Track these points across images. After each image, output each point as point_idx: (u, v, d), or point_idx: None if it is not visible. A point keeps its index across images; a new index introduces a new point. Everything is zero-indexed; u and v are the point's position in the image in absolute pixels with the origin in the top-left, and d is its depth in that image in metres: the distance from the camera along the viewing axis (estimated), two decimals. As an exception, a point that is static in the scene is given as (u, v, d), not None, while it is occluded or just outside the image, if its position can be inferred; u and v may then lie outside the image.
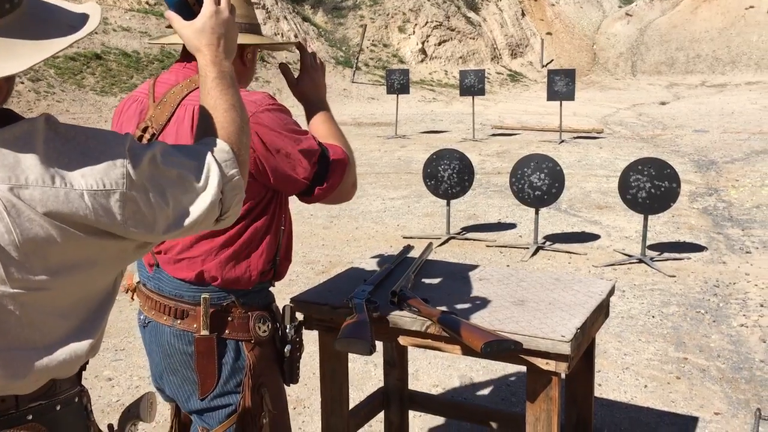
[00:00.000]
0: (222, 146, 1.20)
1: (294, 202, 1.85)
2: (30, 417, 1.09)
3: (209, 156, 1.17)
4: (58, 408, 1.14)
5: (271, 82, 17.41)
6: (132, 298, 1.87)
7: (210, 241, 1.68)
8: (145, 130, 1.67)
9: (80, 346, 1.11)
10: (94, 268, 1.07)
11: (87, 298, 1.10)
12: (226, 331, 1.70)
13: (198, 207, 1.13)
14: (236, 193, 1.20)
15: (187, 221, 1.13)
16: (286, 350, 1.80)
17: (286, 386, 1.87)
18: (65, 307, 1.07)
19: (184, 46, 1.67)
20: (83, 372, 1.22)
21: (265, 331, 1.74)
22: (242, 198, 1.23)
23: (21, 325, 1.03)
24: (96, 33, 16.37)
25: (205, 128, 1.25)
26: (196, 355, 1.68)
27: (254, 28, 1.79)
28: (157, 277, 1.75)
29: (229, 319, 1.70)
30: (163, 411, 3.29)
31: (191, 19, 1.32)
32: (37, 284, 1.02)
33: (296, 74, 1.93)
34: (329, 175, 1.71)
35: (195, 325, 1.68)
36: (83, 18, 1.10)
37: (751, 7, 25.44)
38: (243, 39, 1.70)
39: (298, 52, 1.95)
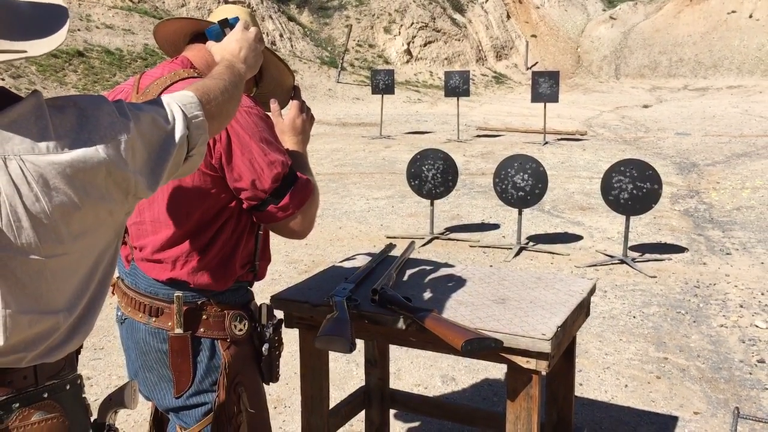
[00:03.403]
0: (184, 93, 1.29)
1: None
2: (46, 395, 1.15)
3: (169, 100, 1.26)
4: (68, 387, 1.19)
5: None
6: (113, 293, 1.85)
7: (180, 247, 1.66)
8: None
9: (94, 308, 1.18)
10: (98, 231, 1.13)
11: (94, 261, 1.16)
12: (201, 330, 1.68)
13: (172, 143, 1.21)
14: (201, 132, 1.28)
15: (167, 159, 1.20)
16: (264, 349, 1.78)
17: (266, 385, 1.85)
18: (79, 270, 1.13)
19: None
20: (78, 355, 1.27)
21: (241, 330, 1.72)
22: (207, 139, 1.31)
23: (50, 290, 1.08)
24: (78, 30, 16.23)
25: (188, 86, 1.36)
26: (171, 354, 1.67)
27: None
28: (133, 272, 1.73)
29: (204, 317, 1.68)
30: (143, 411, 3.26)
31: None
32: (63, 249, 1.08)
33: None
34: (289, 198, 1.64)
35: (169, 323, 1.66)
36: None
37: (733, 11, 25.73)
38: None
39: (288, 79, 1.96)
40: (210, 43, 1.68)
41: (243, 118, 1.62)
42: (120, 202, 1.14)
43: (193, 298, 1.68)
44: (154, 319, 1.68)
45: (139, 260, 1.71)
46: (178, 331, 1.65)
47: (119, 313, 1.79)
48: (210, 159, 1.61)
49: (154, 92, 1.67)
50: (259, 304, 1.84)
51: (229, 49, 1.59)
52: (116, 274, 1.84)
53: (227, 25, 1.68)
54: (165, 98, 1.26)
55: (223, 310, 1.70)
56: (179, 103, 1.25)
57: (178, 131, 1.22)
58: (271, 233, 1.81)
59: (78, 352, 1.26)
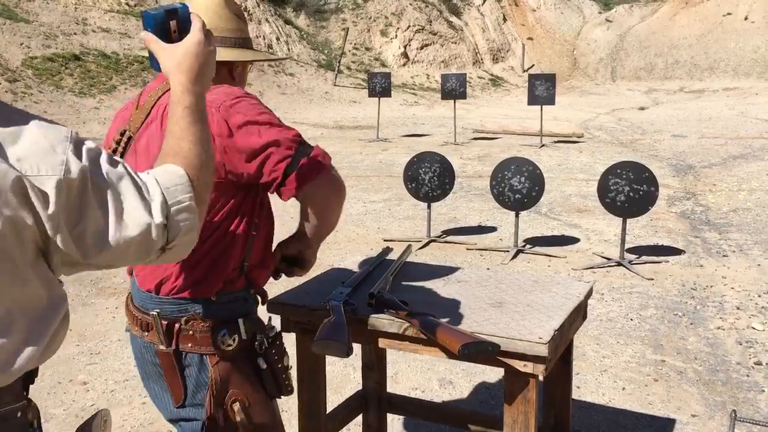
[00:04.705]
0: (175, 170, 1.13)
1: (276, 204, 1.79)
2: None
3: (154, 177, 1.10)
4: (7, 420, 1.06)
5: (252, 84, 17.35)
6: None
7: None
8: (123, 133, 1.67)
9: (15, 350, 1.03)
10: (14, 272, 0.99)
11: (20, 303, 1.01)
12: (188, 345, 1.63)
13: (134, 223, 1.04)
14: (185, 219, 1.10)
15: (118, 235, 1.03)
16: (260, 363, 1.71)
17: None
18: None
19: None
20: (30, 385, 1.14)
21: (230, 345, 1.65)
22: (192, 228, 1.12)
23: None
24: (75, 34, 16.22)
25: (164, 155, 1.17)
26: (162, 368, 1.66)
27: (245, 43, 1.76)
28: (133, 286, 1.74)
29: (190, 332, 1.63)
30: (139, 415, 3.25)
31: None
32: None
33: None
34: (304, 169, 1.60)
35: (159, 338, 1.64)
36: None
37: (729, 14, 25.81)
38: (232, 55, 1.70)
39: (285, 60, 1.92)
40: (153, 41, 1.29)
41: (242, 106, 1.58)
42: (36, 247, 0.98)
43: (177, 312, 1.63)
44: (146, 334, 1.67)
45: (135, 270, 1.71)
46: (162, 347, 1.63)
47: (127, 324, 1.80)
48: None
49: (149, 105, 1.65)
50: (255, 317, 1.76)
51: (187, 66, 1.25)
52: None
53: (175, 15, 1.29)
54: (152, 172, 1.10)
55: (209, 324, 1.64)
56: (167, 182, 1.09)
57: (147, 215, 1.05)
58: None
59: (30, 380, 1.14)
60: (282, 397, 1.77)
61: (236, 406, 1.66)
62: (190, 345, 1.64)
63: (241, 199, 1.64)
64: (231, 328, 1.66)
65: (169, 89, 1.57)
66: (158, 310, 1.62)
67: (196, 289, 1.64)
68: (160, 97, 1.65)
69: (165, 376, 1.66)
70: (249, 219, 1.67)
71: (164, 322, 1.62)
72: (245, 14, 1.82)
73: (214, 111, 1.55)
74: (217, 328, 1.64)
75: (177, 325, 1.63)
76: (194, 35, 1.27)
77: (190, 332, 1.63)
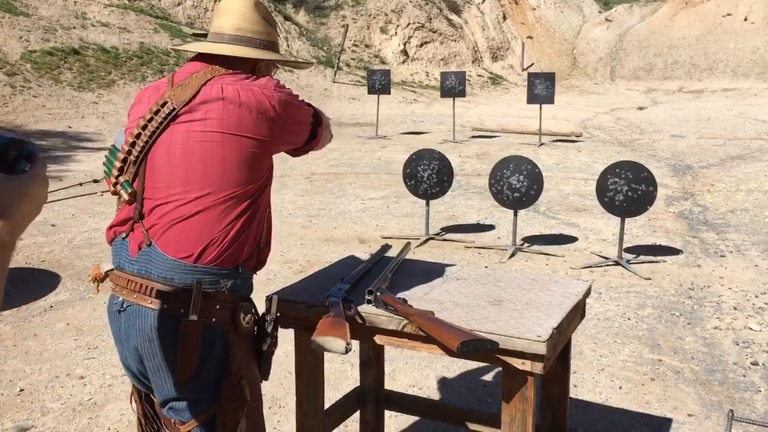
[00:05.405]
0: None
1: (275, 201, 1.86)
2: None
3: None
4: None
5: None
6: (97, 290, 1.85)
7: (212, 211, 1.68)
8: (163, 105, 1.75)
9: None
10: None
11: None
12: (213, 319, 1.68)
13: None
14: None
15: None
16: (264, 344, 1.80)
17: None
18: None
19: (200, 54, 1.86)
20: None
21: (248, 322, 1.74)
22: None
23: None
24: (74, 28, 16.19)
25: None
26: (181, 341, 1.65)
27: (270, 46, 1.92)
28: (144, 259, 1.70)
29: (217, 306, 1.69)
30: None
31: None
32: None
33: None
34: (317, 134, 1.96)
35: (182, 310, 1.65)
36: None
37: (729, 14, 25.81)
38: (256, 54, 1.86)
39: (308, 67, 2.15)
40: None
41: (284, 93, 1.83)
42: None
43: (209, 285, 1.68)
44: (165, 306, 1.66)
45: (158, 232, 1.69)
46: (193, 317, 1.64)
47: (118, 301, 1.74)
48: (260, 131, 1.74)
49: (195, 84, 1.74)
50: (269, 297, 1.88)
51: (23, 208, 0.99)
52: (106, 267, 1.82)
53: (18, 149, 1.03)
54: None
55: (233, 300, 1.72)
56: None
57: None
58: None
59: None
60: (262, 380, 1.86)
61: (244, 383, 1.72)
62: (214, 319, 1.69)
63: (267, 177, 1.79)
64: (246, 307, 1.75)
65: (218, 75, 1.76)
66: (202, 278, 1.66)
67: (232, 259, 1.71)
68: (209, 80, 1.75)
69: (181, 350, 1.65)
70: (267, 199, 1.81)
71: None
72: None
73: (266, 89, 1.80)
74: (238, 305, 1.73)
75: (206, 298, 1.68)
76: (39, 171, 1.04)
77: (217, 306, 1.69)
